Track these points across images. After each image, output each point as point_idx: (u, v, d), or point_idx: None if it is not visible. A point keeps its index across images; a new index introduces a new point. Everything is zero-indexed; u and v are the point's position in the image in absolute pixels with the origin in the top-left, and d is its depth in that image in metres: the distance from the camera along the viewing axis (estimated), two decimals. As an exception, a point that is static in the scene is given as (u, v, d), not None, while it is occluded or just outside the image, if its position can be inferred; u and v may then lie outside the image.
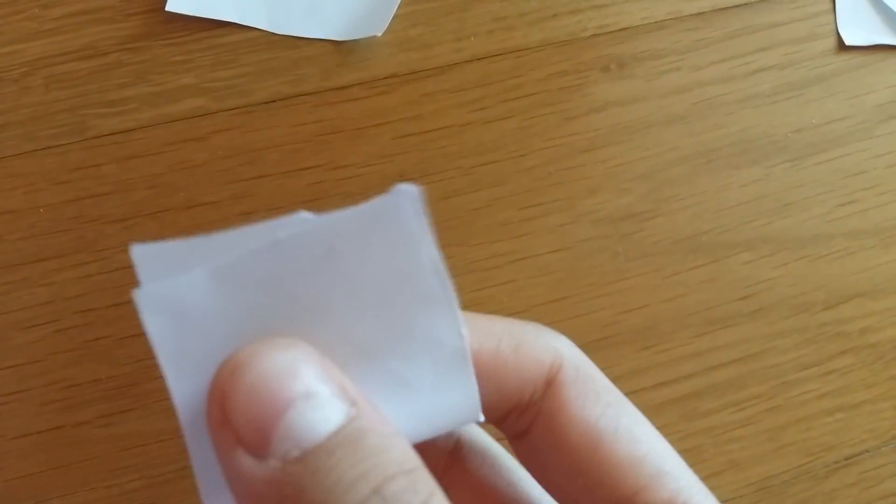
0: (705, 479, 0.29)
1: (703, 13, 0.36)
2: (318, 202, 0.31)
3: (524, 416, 0.18)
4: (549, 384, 0.18)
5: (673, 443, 0.29)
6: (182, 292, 0.15)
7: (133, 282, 0.30)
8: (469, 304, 0.30)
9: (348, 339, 0.15)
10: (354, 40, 0.34)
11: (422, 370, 0.16)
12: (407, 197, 0.15)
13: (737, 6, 0.36)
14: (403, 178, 0.32)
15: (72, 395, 0.28)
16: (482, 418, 0.16)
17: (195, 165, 0.31)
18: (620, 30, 0.35)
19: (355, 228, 0.15)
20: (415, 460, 0.14)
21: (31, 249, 0.30)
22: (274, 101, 0.33)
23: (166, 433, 0.27)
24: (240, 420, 0.14)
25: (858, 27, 0.37)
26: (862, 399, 0.30)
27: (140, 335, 0.29)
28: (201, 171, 0.31)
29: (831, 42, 0.36)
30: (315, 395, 0.14)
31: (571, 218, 0.32)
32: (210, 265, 0.15)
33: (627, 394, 0.30)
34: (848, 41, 0.36)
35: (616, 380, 0.30)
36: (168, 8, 0.33)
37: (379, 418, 0.14)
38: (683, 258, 0.32)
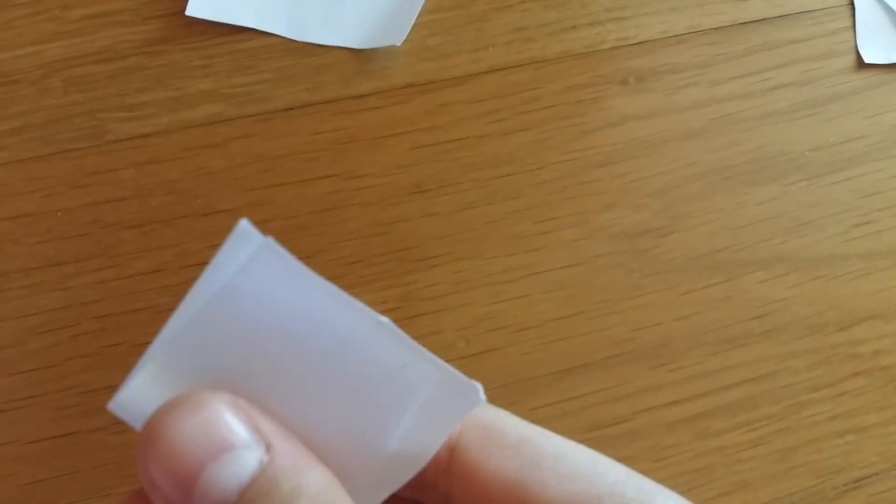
0: (714, 499, 0.29)
1: (723, 27, 0.36)
2: (335, 212, 0.31)
3: (438, 488, 0.18)
4: (453, 451, 0.17)
5: (683, 462, 0.29)
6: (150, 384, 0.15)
7: (149, 287, 0.30)
8: (483, 318, 0.30)
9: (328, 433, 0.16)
10: (373, 49, 0.34)
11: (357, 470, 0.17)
12: (475, 396, 0.16)
13: (756, 21, 0.36)
14: (420, 189, 0.32)
15: (87, 401, 0.28)
16: None
17: (213, 172, 0.31)
18: (639, 43, 0.35)
19: (426, 373, 0.16)
20: (331, 493, 0.15)
21: (48, 253, 0.30)
22: (292, 109, 0.33)
23: (180, 441, 0.28)
24: (162, 484, 0.15)
25: (878, 45, 0.37)
26: (873, 422, 0.30)
27: (155, 342, 0.29)
28: (219, 177, 0.31)
29: (850, 59, 0.36)
30: (230, 447, 0.15)
31: (586, 233, 0.32)
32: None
33: (639, 412, 0.30)
34: (867, 59, 0.36)
35: (628, 397, 0.30)
36: (188, 12, 0.33)
37: (294, 454, 0.15)
38: (698, 276, 0.32)
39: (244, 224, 0.15)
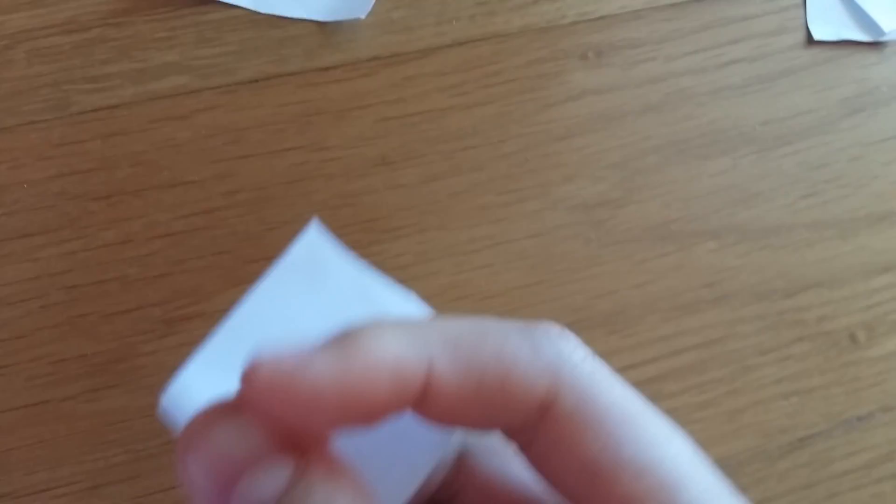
0: (667, 456, 0.31)
1: (679, 4, 0.37)
2: (301, 183, 0.32)
3: (521, 436, 0.17)
4: (544, 415, 0.16)
5: (637, 422, 0.31)
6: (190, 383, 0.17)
7: (117, 258, 0.30)
8: (448, 288, 0.31)
9: None
10: (337, 21, 0.34)
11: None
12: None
13: (712, -2, 0.37)
14: (385, 161, 0.33)
15: (57, 370, 0.28)
16: None
17: (179, 144, 0.32)
18: (599, 18, 0.36)
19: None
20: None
21: (15, 225, 0.30)
22: (257, 81, 0.33)
23: (150, 409, 0.28)
24: (200, 497, 0.15)
25: (827, 22, 0.38)
26: (816, 384, 0.32)
27: (124, 312, 0.30)
28: (185, 149, 0.32)
29: (800, 36, 0.37)
30: (260, 460, 0.15)
31: (547, 204, 0.33)
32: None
33: (596, 375, 0.31)
34: (816, 36, 0.37)
35: (586, 361, 0.31)
36: (151, -16, 0.33)
37: (327, 468, 0.16)
38: (653, 245, 0.33)
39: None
